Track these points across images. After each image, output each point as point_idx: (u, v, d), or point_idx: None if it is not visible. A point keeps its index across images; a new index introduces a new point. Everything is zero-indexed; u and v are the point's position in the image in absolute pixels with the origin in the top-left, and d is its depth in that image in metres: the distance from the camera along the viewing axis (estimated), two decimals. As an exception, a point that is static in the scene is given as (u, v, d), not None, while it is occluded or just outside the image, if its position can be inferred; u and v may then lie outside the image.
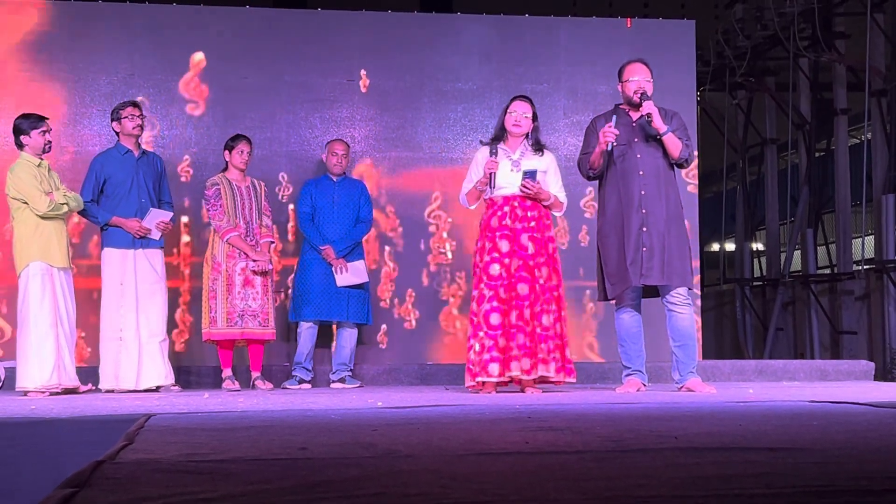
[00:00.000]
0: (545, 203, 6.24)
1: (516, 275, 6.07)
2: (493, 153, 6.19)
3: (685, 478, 2.30)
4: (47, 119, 6.83)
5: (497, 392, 6.09)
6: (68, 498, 2.07)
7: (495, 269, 6.09)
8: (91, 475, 2.32)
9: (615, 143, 6.08)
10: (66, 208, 6.70)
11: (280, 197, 8.32)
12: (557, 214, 6.45)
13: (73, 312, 6.77)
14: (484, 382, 6.06)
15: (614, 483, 2.25)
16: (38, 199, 6.59)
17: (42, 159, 6.75)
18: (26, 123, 6.73)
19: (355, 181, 7.83)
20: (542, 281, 6.12)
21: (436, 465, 2.57)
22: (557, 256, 6.29)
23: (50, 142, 6.78)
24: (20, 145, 6.73)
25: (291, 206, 8.27)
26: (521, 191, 6.13)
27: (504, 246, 6.11)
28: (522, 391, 6.11)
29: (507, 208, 6.17)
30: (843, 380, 8.12)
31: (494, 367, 6.00)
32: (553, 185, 6.27)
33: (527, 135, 6.28)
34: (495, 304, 6.05)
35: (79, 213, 6.99)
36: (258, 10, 8.83)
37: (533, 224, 6.17)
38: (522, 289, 6.05)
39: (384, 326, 8.29)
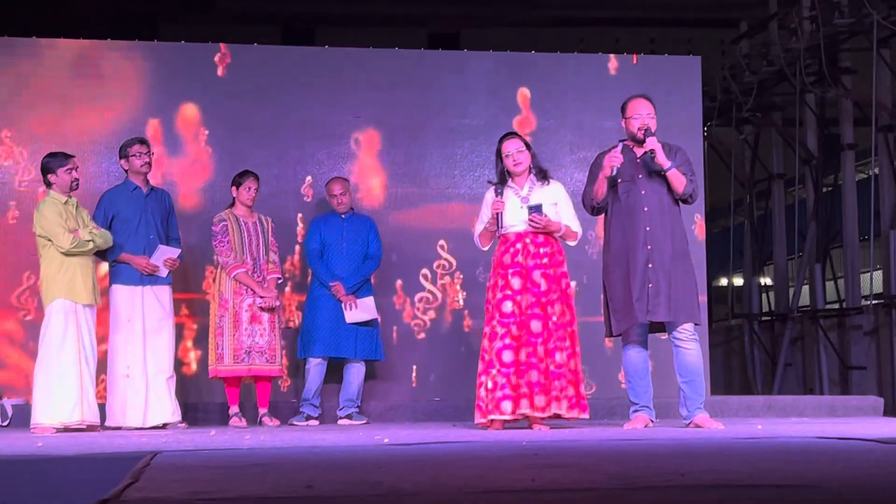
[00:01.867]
0: (557, 234, 6.24)
1: (528, 312, 6.06)
2: (499, 193, 6.19)
3: (690, 516, 2.29)
4: (74, 157, 6.87)
5: (505, 428, 6.07)
6: (72, 537, 2.07)
7: (507, 306, 6.08)
8: (95, 513, 2.31)
9: (617, 172, 6.08)
10: (91, 245, 6.72)
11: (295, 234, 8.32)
12: (572, 244, 6.42)
13: (95, 349, 6.78)
14: (492, 420, 6.04)
15: (619, 521, 2.24)
16: (60, 237, 6.62)
17: (70, 196, 6.79)
18: (54, 162, 6.77)
19: (364, 217, 7.84)
20: (555, 318, 6.11)
21: (441, 503, 2.57)
22: (571, 292, 6.28)
23: (77, 179, 6.81)
24: (48, 184, 6.78)
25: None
26: (529, 225, 6.13)
27: (516, 283, 6.10)
28: (530, 427, 6.09)
29: (518, 245, 6.16)
30: (853, 415, 8.08)
31: (507, 405, 5.98)
32: (566, 214, 6.27)
33: (529, 167, 6.29)
34: (508, 341, 6.03)
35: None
36: (266, 48, 8.87)
37: (545, 260, 6.17)
38: (535, 326, 6.04)
39: (388, 361, 8.24)
